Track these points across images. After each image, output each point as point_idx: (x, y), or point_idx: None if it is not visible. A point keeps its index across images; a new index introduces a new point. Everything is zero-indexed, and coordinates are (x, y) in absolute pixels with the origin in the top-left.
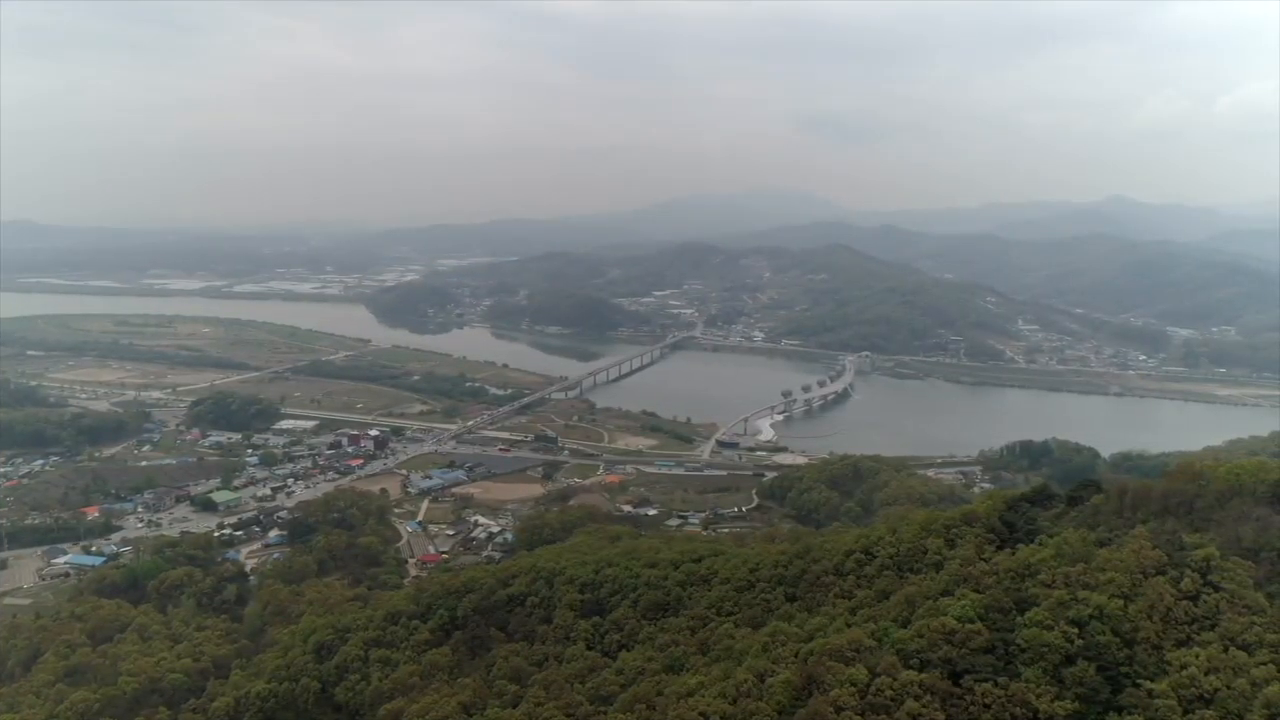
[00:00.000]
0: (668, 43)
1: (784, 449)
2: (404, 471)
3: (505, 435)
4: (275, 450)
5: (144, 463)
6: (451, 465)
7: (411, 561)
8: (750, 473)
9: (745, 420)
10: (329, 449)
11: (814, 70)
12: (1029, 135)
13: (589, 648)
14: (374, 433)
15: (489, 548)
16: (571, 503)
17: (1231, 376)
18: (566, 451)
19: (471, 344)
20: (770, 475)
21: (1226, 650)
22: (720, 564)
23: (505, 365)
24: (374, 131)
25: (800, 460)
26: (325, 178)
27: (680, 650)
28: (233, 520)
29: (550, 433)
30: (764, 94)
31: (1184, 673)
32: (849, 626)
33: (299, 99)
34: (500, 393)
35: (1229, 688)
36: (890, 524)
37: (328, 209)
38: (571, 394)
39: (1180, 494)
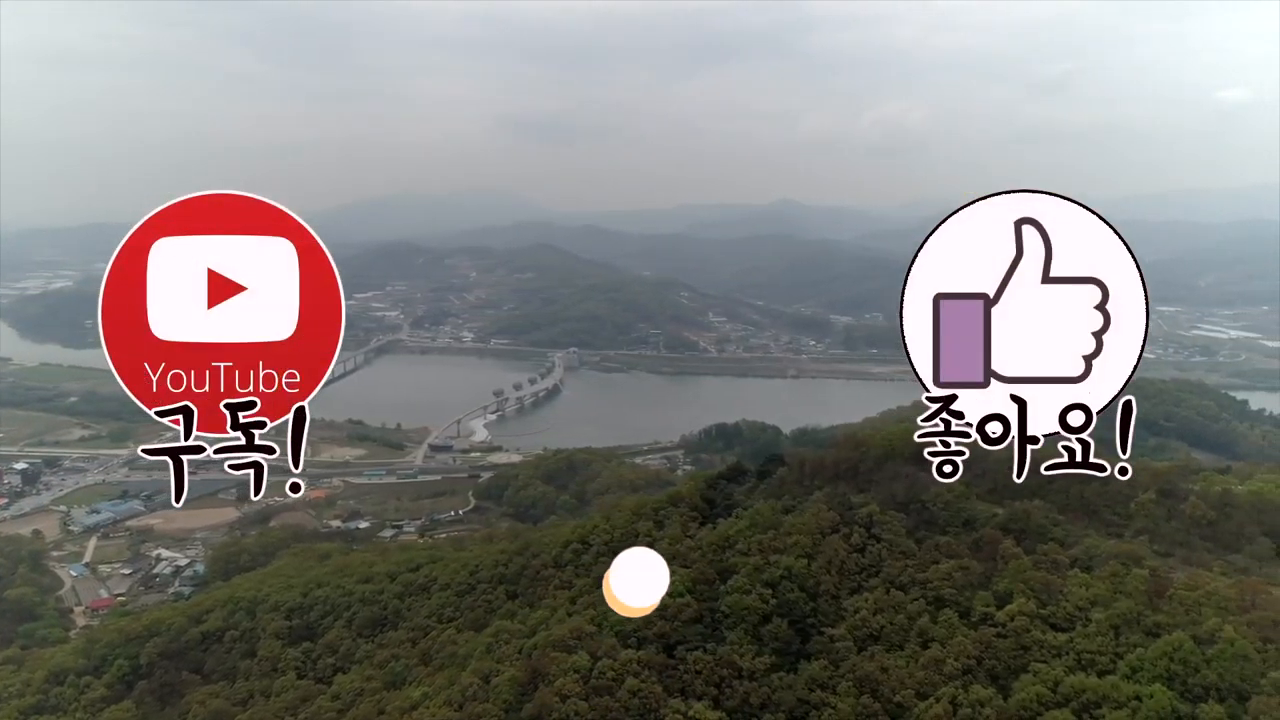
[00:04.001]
0: (358, 35)
1: (499, 448)
2: (63, 508)
3: None
4: None
5: None
6: (125, 495)
7: (79, 610)
8: (466, 475)
9: (458, 422)
10: None
11: (516, 71)
12: (714, 141)
13: (300, 676)
14: (20, 466)
15: (176, 583)
16: (272, 524)
17: (882, 356)
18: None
19: None
20: (486, 475)
21: (888, 592)
22: (439, 570)
23: None
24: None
25: (516, 458)
26: None
27: (401, 664)
28: None
29: None
30: (466, 93)
31: (857, 616)
32: (570, 616)
33: None
34: None
35: (892, 624)
36: (604, 512)
37: None
38: None
39: (847, 461)
